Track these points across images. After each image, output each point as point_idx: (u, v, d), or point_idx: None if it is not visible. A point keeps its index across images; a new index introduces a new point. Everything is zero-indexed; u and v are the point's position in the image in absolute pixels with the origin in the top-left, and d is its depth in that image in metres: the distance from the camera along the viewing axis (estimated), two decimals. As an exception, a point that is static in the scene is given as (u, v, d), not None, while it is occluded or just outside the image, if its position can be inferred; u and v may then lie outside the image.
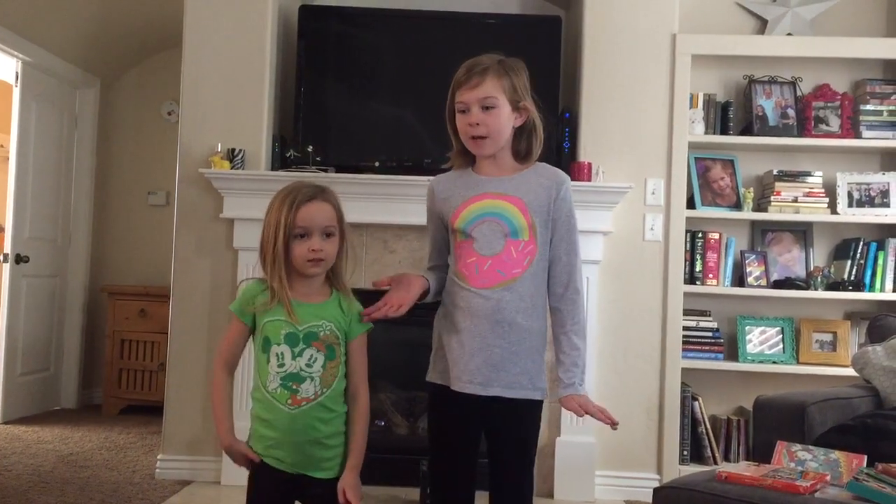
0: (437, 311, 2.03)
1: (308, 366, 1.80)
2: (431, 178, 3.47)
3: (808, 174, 3.76)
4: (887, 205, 3.72)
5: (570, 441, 3.49)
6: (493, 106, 1.90)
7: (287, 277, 1.81)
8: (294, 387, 1.79)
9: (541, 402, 1.95)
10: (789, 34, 3.84)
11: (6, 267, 4.65)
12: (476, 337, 1.89)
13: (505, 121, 1.92)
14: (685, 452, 3.62)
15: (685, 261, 3.68)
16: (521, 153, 1.97)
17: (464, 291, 1.92)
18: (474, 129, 1.91)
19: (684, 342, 3.64)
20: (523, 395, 1.91)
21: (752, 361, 3.71)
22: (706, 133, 3.75)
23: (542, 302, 1.95)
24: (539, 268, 1.93)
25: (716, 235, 3.75)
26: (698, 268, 3.72)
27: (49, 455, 3.90)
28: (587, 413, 1.88)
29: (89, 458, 3.89)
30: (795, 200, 3.72)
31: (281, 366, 1.80)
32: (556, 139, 3.60)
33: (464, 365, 1.90)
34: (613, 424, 1.86)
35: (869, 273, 3.71)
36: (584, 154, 3.60)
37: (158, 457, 3.62)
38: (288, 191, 1.83)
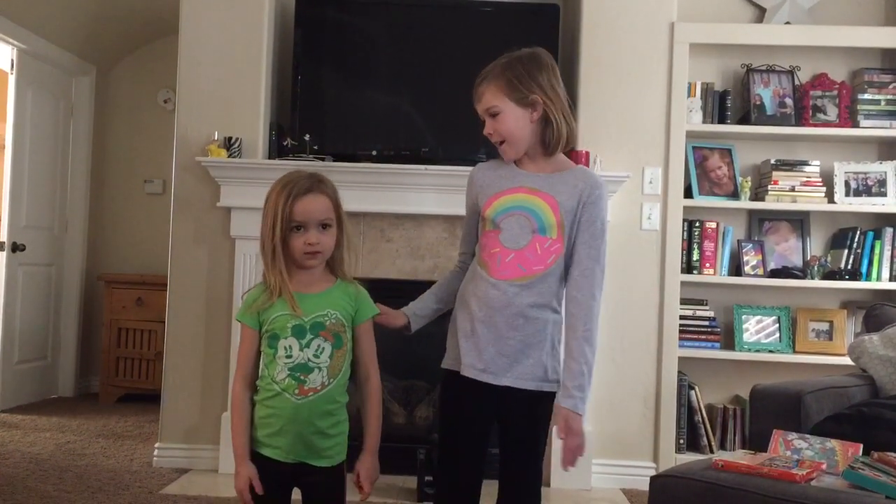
0: (456, 298, 2.02)
1: (316, 356, 1.79)
2: (429, 166, 3.47)
3: (806, 163, 3.76)
4: (884, 194, 3.72)
5: (567, 429, 3.50)
6: (496, 113, 1.91)
7: (287, 269, 1.80)
8: (302, 377, 1.79)
9: (554, 394, 1.92)
10: (787, 23, 3.83)
11: (2, 255, 4.64)
12: (491, 327, 1.89)
13: (515, 123, 1.90)
14: (681, 441, 3.63)
15: (682, 250, 3.68)
16: (548, 146, 1.94)
17: (483, 281, 1.91)
18: (491, 137, 1.95)
19: (681, 331, 3.65)
20: (536, 387, 1.90)
21: (749, 350, 3.72)
22: (704, 122, 3.75)
23: (562, 298, 1.94)
24: (562, 267, 1.91)
25: (713, 224, 3.75)
26: (695, 257, 3.73)
27: (47, 443, 3.91)
28: (561, 437, 1.85)
29: (87, 446, 3.89)
30: (793, 190, 3.72)
31: (289, 357, 1.79)
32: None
33: (477, 353, 1.90)
34: (564, 466, 1.85)
35: (865, 262, 3.71)
36: (582, 143, 3.59)
37: (156, 445, 3.62)
38: (285, 182, 1.81)
